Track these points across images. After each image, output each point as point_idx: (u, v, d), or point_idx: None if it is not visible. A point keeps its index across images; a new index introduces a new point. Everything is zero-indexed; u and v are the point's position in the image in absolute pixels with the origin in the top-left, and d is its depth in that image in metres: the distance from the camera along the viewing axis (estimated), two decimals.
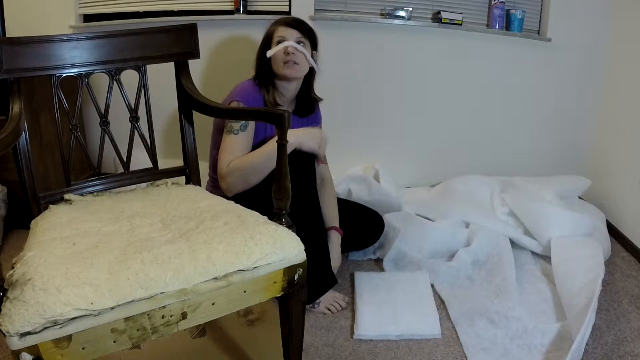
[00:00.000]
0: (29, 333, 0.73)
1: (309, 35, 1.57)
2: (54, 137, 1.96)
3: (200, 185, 1.38)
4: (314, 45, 1.60)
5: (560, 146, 2.46)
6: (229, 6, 2.20)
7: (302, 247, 0.99)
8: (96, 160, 1.27)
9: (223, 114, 1.43)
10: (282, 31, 1.53)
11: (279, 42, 1.52)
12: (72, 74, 1.19)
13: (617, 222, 2.15)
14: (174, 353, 1.31)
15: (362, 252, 1.90)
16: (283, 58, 1.50)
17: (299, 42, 1.53)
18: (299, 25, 1.55)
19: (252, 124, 1.50)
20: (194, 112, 1.33)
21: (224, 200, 1.15)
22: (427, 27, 2.22)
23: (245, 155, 1.46)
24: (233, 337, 1.39)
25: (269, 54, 1.53)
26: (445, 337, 1.45)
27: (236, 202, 1.14)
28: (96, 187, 1.25)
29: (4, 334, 0.73)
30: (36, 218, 1.08)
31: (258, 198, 1.26)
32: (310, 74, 1.63)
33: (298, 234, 1.01)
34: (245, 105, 1.51)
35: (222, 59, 2.21)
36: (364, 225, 1.80)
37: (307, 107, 1.67)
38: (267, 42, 1.57)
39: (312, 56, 1.58)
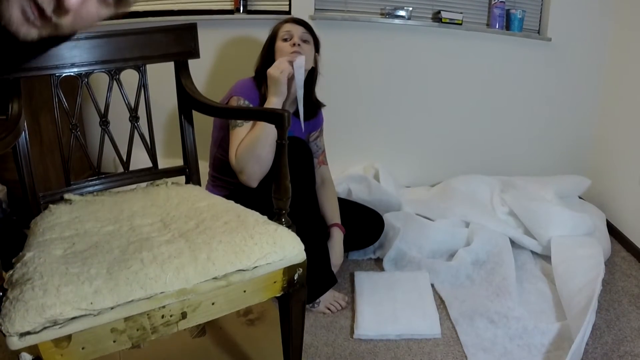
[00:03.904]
0: (28, 333, 0.73)
1: (313, 35, 1.62)
2: (54, 137, 1.96)
3: (200, 185, 1.38)
4: (316, 48, 1.63)
5: (560, 146, 2.45)
6: (228, 6, 2.19)
7: (302, 246, 0.99)
8: (96, 160, 1.27)
9: (223, 114, 1.43)
10: (287, 27, 1.58)
11: (284, 38, 1.56)
12: (71, 74, 1.19)
13: (617, 222, 2.15)
14: (174, 353, 1.31)
15: (362, 251, 1.90)
16: (289, 50, 1.53)
17: (303, 39, 1.57)
18: (305, 23, 1.61)
19: None
20: (193, 111, 1.33)
21: (224, 200, 1.15)
22: (427, 27, 2.22)
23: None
24: (233, 337, 1.39)
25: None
26: (445, 337, 1.45)
27: (236, 202, 1.14)
28: (96, 187, 1.24)
29: (3, 334, 0.73)
30: (36, 218, 1.08)
31: (258, 198, 1.26)
32: (312, 78, 1.65)
33: (298, 234, 1.01)
34: (245, 100, 1.52)
35: (222, 59, 2.21)
36: (364, 225, 1.80)
37: (309, 110, 1.67)
38: (272, 39, 1.60)
39: (314, 58, 1.61)
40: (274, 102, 1.45)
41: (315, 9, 2.17)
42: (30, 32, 0.57)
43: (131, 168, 1.31)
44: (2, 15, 0.55)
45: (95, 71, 1.22)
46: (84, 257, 0.86)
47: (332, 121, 1.95)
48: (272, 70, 1.46)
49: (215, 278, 0.88)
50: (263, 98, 1.54)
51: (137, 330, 0.82)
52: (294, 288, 1.00)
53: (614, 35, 2.23)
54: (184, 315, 0.87)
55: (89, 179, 1.25)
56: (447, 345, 1.41)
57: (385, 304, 1.56)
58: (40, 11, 0.55)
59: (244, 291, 0.93)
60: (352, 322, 1.51)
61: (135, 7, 2.21)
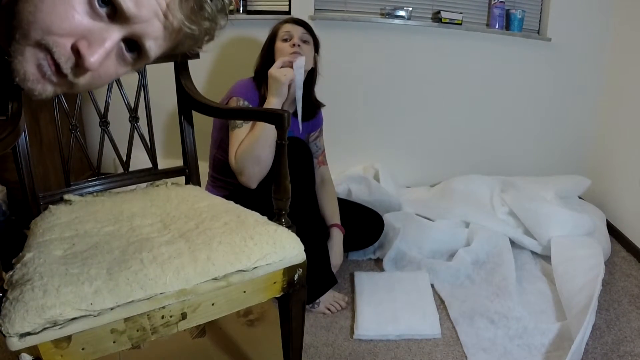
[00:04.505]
0: (28, 334, 0.73)
1: (312, 36, 1.62)
2: (53, 137, 1.96)
3: (200, 186, 1.38)
4: (316, 48, 1.63)
5: (560, 146, 2.46)
6: None
7: (302, 247, 0.99)
8: (96, 161, 1.27)
9: (223, 114, 1.43)
10: (287, 27, 1.58)
11: (284, 38, 1.56)
12: None
13: (617, 221, 2.15)
14: (174, 353, 1.31)
15: (362, 252, 1.90)
16: (289, 50, 1.53)
17: (303, 39, 1.56)
18: (305, 24, 1.61)
19: None
20: (193, 112, 1.33)
21: (224, 200, 1.15)
22: (427, 27, 2.22)
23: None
24: (233, 337, 1.39)
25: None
26: (445, 337, 1.45)
27: (236, 202, 1.14)
28: (96, 188, 1.24)
29: (3, 335, 0.73)
30: (36, 218, 1.08)
31: (258, 198, 1.26)
32: (311, 79, 1.65)
33: (298, 234, 1.01)
34: (245, 101, 1.52)
35: (221, 59, 2.21)
36: (364, 225, 1.80)
37: (308, 110, 1.67)
38: (272, 39, 1.60)
39: (314, 58, 1.61)
40: (274, 102, 1.45)
41: (315, 9, 2.17)
42: (45, 90, 0.54)
43: (131, 168, 1.31)
44: (17, 71, 0.52)
45: None
46: (83, 257, 0.86)
47: (332, 121, 1.95)
48: (273, 71, 1.45)
49: (215, 279, 0.88)
50: (263, 98, 1.54)
51: (137, 330, 0.82)
52: (294, 288, 1.00)
53: (614, 35, 2.23)
54: (183, 316, 0.87)
55: (89, 179, 1.25)
56: (447, 345, 1.41)
57: (385, 304, 1.56)
58: (57, 67, 0.53)
59: (244, 292, 0.93)
60: (352, 322, 1.51)
61: None
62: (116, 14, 0.54)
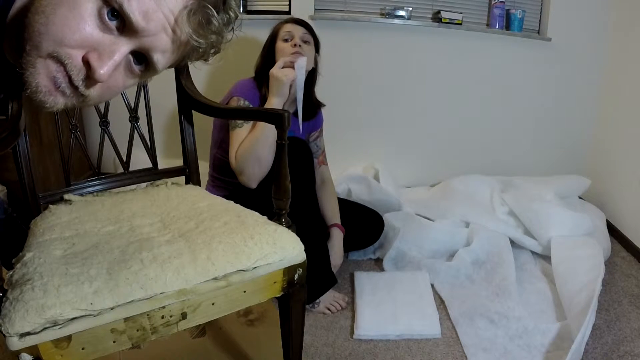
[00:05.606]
0: (28, 333, 0.73)
1: (313, 36, 1.62)
2: (53, 137, 1.96)
3: (200, 185, 1.37)
4: (317, 48, 1.63)
5: (560, 146, 2.46)
6: None
7: (302, 247, 0.99)
8: (96, 160, 1.27)
9: (223, 114, 1.43)
10: (288, 27, 1.58)
11: (285, 38, 1.56)
12: None
13: (617, 222, 2.15)
14: (174, 353, 1.31)
15: (362, 251, 1.90)
16: (290, 50, 1.53)
17: (304, 40, 1.57)
18: (306, 24, 1.61)
19: None
20: (193, 112, 1.33)
21: (224, 200, 1.15)
22: (427, 27, 2.22)
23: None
24: (233, 337, 1.39)
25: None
26: (445, 337, 1.45)
27: (236, 202, 1.14)
28: (96, 187, 1.24)
29: (3, 335, 0.73)
30: (36, 218, 1.08)
31: (258, 198, 1.26)
32: (312, 79, 1.65)
33: (298, 234, 1.01)
34: (245, 101, 1.52)
35: (221, 59, 2.21)
36: (364, 225, 1.80)
37: (308, 110, 1.67)
38: (272, 39, 1.60)
39: (314, 58, 1.62)
40: (275, 102, 1.45)
41: (315, 9, 2.17)
42: (56, 102, 0.55)
43: (131, 168, 1.31)
44: (29, 83, 0.53)
45: None
46: (84, 257, 0.86)
47: (332, 121, 1.95)
48: (275, 71, 1.45)
49: (215, 278, 0.88)
50: (263, 98, 1.54)
51: (137, 330, 0.82)
52: (294, 288, 1.00)
53: (614, 35, 2.23)
54: (184, 316, 0.87)
55: (89, 179, 1.25)
56: (447, 345, 1.41)
57: (385, 304, 1.56)
58: (70, 78, 0.54)
59: (244, 291, 0.93)
60: (352, 322, 1.51)
61: None
62: (125, 27, 0.55)
